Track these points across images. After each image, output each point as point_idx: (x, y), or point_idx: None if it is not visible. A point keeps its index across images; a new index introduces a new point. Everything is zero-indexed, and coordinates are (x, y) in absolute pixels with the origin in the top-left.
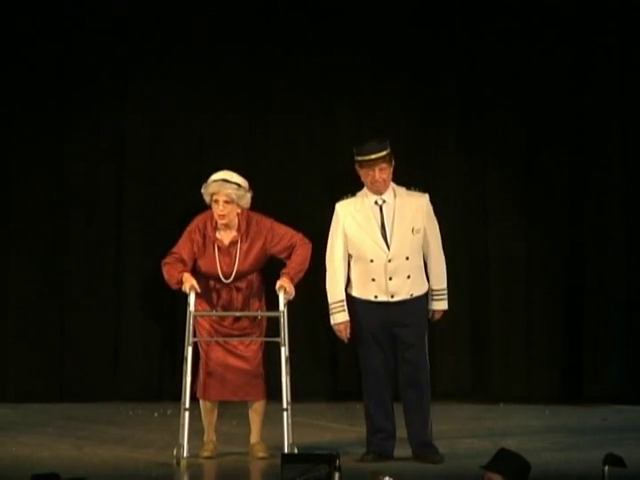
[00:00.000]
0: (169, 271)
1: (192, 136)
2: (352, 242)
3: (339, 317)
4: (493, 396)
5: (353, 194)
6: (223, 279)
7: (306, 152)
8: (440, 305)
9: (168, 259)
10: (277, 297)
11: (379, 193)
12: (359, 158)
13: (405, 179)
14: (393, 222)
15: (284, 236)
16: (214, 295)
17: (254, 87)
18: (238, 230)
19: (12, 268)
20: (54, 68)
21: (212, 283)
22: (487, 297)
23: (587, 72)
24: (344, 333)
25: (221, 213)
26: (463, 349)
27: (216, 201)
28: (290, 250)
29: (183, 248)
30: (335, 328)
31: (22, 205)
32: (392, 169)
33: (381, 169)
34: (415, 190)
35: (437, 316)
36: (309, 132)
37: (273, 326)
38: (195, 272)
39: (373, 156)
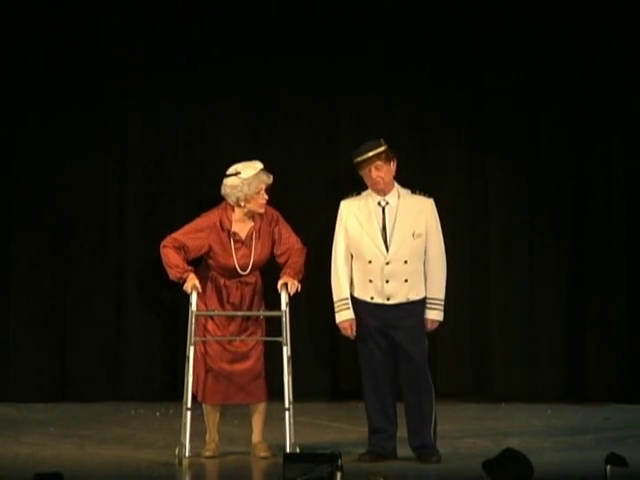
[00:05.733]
0: (170, 258)
1: (193, 139)
2: (353, 241)
3: (343, 315)
4: (495, 396)
5: (359, 193)
6: (240, 271)
7: (308, 154)
8: (433, 315)
9: (168, 242)
10: (278, 297)
11: (382, 193)
12: (356, 160)
13: (406, 176)
14: (394, 224)
15: (288, 239)
16: (224, 293)
17: (255, 90)
18: (254, 221)
19: (14, 268)
20: (56, 77)
21: (222, 281)
22: (489, 297)
23: (589, 63)
24: (349, 331)
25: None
26: (465, 349)
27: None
28: (288, 254)
29: (190, 238)
30: (340, 326)
31: (24, 207)
32: (392, 168)
33: (377, 167)
34: (420, 194)
35: (430, 326)
36: (311, 134)
37: (274, 326)
38: (208, 269)
39: (369, 154)
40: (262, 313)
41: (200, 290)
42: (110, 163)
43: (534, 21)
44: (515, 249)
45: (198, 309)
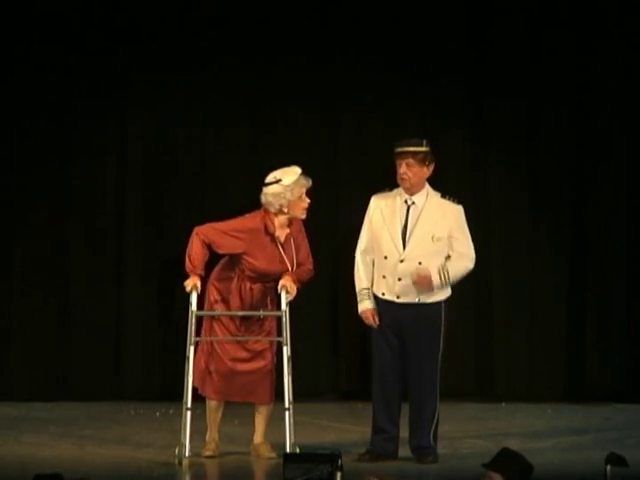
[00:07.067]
0: (193, 250)
1: (193, 140)
2: (374, 235)
3: (364, 305)
4: (496, 395)
5: (391, 188)
6: (275, 275)
7: (307, 155)
8: (434, 277)
9: (202, 232)
10: (278, 297)
11: (409, 192)
12: (394, 149)
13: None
14: (415, 225)
15: (304, 255)
16: (248, 296)
17: (255, 92)
18: (289, 227)
19: (16, 268)
20: (55, 80)
21: (248, 284)
22: (490, 297)
23: (590, 58)
24: (372, 320)
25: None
26: (466, 349)
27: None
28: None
29: (229, 235)
30: (362, 316)
31: (25, 206)
32: (425, 171)
33: (408, 164)
34: (449, 199)
35: (422, 274)
36: (311, 136)
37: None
38: (234, 269)
39: (405, 148)
40: (262, 313)
41: (199, 290)
42: (110, 163)
43: (534, 16)
44: (516, 249)
45: (213, 309)
